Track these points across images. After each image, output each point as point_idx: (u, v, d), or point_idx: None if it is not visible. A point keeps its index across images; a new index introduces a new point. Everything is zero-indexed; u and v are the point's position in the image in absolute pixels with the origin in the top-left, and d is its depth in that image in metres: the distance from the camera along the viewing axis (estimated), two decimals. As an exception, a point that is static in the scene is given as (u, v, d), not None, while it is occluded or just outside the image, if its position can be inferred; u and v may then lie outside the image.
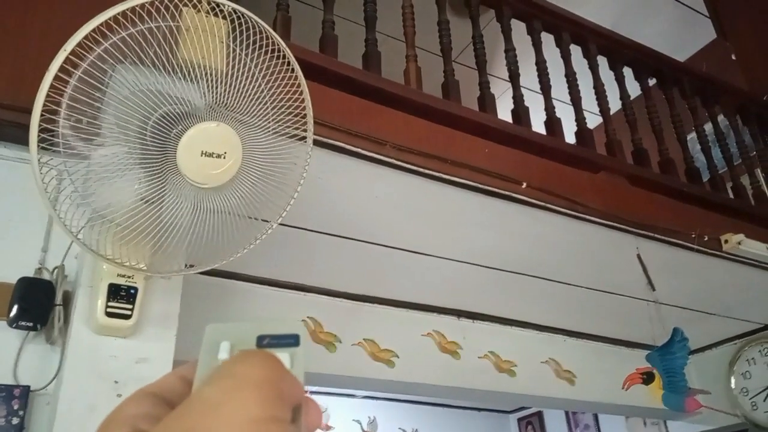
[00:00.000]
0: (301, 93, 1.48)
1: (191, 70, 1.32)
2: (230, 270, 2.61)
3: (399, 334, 3.03)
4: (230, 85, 1.37)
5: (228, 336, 0.34)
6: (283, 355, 0.33)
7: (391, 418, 5.41)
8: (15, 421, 1.47)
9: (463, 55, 3.88)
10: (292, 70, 1.45)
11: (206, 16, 1.36)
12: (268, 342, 0.34)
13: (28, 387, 1.51)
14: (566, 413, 5.43)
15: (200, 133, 1.27)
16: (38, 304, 1.55)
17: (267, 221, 1.55)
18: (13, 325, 1.54)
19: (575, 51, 2.96)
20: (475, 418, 5.89)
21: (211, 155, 1.27)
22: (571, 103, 2.81)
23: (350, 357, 2.87)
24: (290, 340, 0.34)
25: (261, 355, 0.30)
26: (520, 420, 5.98)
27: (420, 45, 2.47)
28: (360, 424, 5.30)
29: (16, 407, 1.48)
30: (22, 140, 1.74)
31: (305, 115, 1.50)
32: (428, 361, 3.06)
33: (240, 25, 1.36)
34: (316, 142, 1.69)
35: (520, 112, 2.57)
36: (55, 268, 1.64)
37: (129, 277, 1.49)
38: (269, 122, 1.45)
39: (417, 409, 5.52)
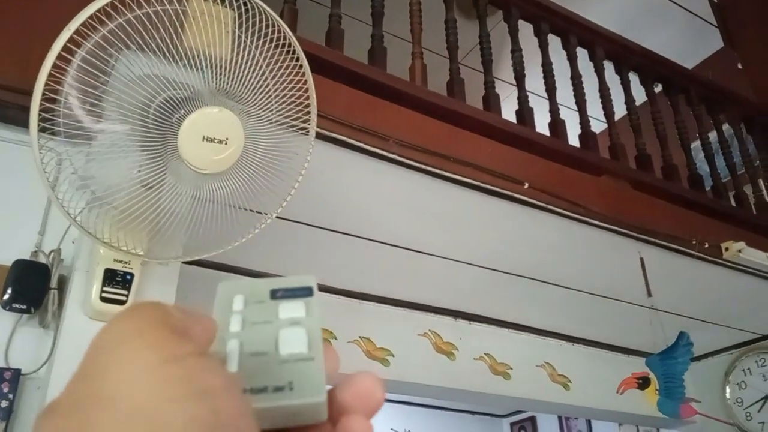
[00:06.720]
0: (305, 83, 1.47)
1: (195, 56, 1.30)
2: (226, 262, 2.59)
3: (395, 333, 3.01)
4: (235, 74, 1.36)
5: (241, 291, 0.33)
6: (298, 305, 0.33)
7: (383, 418, 5.39)
8: (4, 404, 1.46)
9: (468, 58, 3.87)
10: (297, 59, 1.44)
11: (213, 3, 1.35)
12: (281, 294, 0.33)
13: (20, 370, 1.50)
14: (559, 419, 5.41)
15: (203, 118, 1.26)
16: (33, 287, 1.54)
17: (266, 213, 1.54)
18: (7, 308, 1.53)
19: (582, 54, 2.95)
20: (468, 421, 5.88)
21: (212, 141, 1.26)
22: (575, 106, 2.80)
23: (345, 354, 2.86)
24: (304, 291, 0.33)
25: (138, 307, 0.28)
26: (513, 424, 5.96)
27: (426, 46, 2.46)
28: (352, 422, 5.28)
29: (6, 390, 1.47)
30: (26, 123, 1.73)
31: (309, 105, 1.49)
32: (423, 361, 3.05)
33: (247, 11, 1.35)
34: (318, 135, 1.68)
35: (525, 112, 2.56)
36: (52, 251, 1.62)
37: (125, 262, 1.47)
38: (272, 113, 1.44)
39: (410, 410, 5.50)
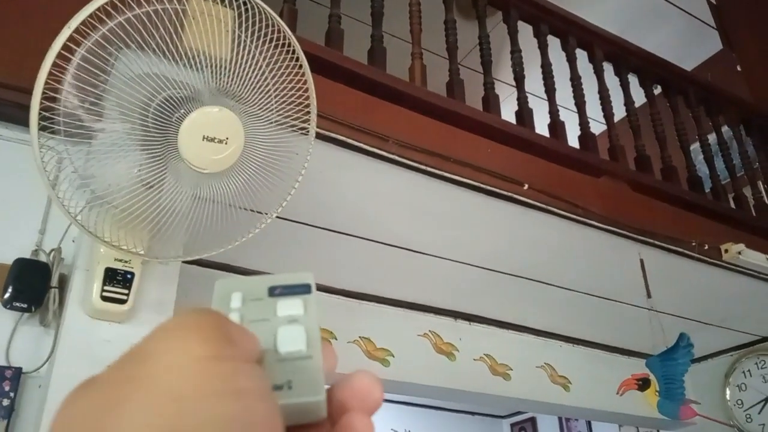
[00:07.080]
0: (305, 83, 1.47)
1: (195, 55, 1.31)
2: (226, 262, 2.59)
3: (395, 334, 3.01)
4: (234, 73, 1.36)
5: (239, 288, 0.33)
6: (296, 302, 0.33)
7: (383, 418, 5.39)
8: (5, 402, 1.46)
9: (467, 59, 3.88)
10: (297, 59, 1.45)
11: (213, 3, 1.35)
12: (279, 291, 0.33)
13: (20, 369, 1.50)
14: (559, 420, 5.41)
15: (203, 117, 1.26)
16: (33, 285, 1.54)
17: (266, 213, 1.54)
18: (8, 306, 1.53)
19: (581, 56, 2.96)
20: (468, 422, 5.87)
21: (212, 140, 1.26)
22: (575, 107, 2.80)
23: (345, 355, 2.85)
24: (302, 289, 0.33)
25: (200, 308, 0.28)
26: (513, 425, 5.96)
27: (425, 46, 2.47)
28: (352, 423, 5.27)
29: (7, 389, 1.47)
30: (24, 121, 1.73)
31: (308, 105, 1.49)
32: (423, 361, 3.05)
33: (246, 11, 1.35)
34: (318, 136, 1.68)
35: (524, 113, 2.56)
36: (52, 250, 1.63)
37: (126, 261, 1.48)
38: (272, 113, 1.44)
39: (410, 411, 5.50)
